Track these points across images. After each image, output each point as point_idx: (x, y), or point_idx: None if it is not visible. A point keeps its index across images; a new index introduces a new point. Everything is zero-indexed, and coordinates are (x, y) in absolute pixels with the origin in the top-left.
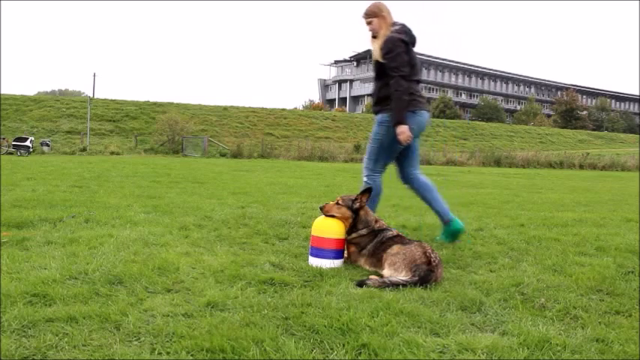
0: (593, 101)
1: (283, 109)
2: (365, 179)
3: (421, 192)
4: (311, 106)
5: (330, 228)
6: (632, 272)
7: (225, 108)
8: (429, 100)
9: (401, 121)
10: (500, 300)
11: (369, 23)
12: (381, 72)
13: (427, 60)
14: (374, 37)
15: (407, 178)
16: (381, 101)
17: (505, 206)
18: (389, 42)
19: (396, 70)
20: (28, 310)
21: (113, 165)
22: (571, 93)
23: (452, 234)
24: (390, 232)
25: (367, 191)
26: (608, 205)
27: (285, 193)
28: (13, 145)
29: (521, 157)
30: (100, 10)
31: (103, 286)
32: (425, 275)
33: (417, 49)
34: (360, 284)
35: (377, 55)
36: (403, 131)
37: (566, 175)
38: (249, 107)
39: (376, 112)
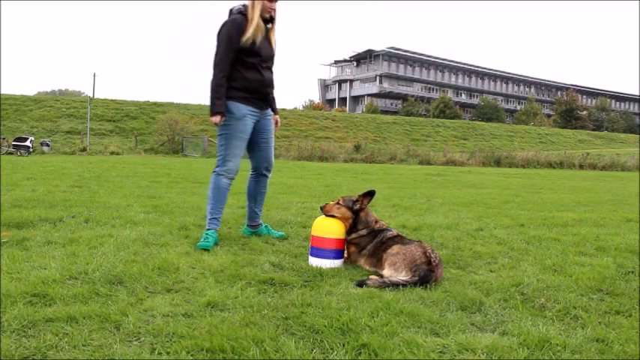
0: (593, 101)
1: (283, 109)
2: (269, 175)
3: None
4: (311, 106)
5: (330, 228)
6: (632, 272)
7: None
8: (428, 100)
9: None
10: (500, 300)
11: (274, 1)
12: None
13: (427, 60)
14: (269, 21)
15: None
16: (270, 95)
17: (505, 206)
18: None
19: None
20: (28, 310)
21: (113, 165)
22: (571, 93)
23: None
24: (390, 232)
25: (369, 194)
26: (608, 205)
27: (285, 193)
28: (13, 145)
29: (521, 157)
30: (100, 10)
31: (103, 286)
32: (425, 275)
33: (417, 49)
34: (360, 284)
35: (275, 46)
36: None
37: (566, 175)
38: None
39: (264, 107)
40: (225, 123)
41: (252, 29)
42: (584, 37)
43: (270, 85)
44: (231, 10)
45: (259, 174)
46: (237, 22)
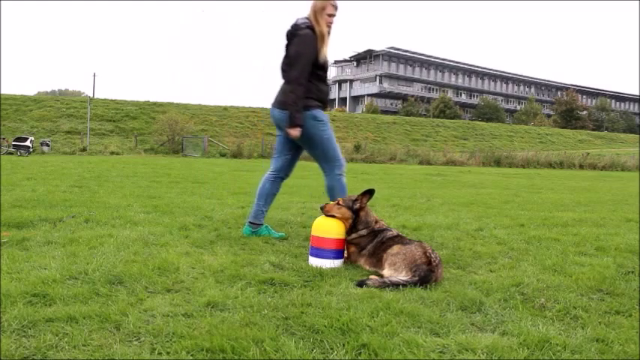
0: (593, 101)
1: None
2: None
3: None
4: None
5: (330, 228)
6: (632, 272)
7: (225, 108)
8: (428, 100)
9: None
10: (500, 300)
11: (333, 16)
12: None
13: (427, 60)
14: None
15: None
16: None
17: (505, 206)
18: None
19: None
20: (28, 310)
21: (113, 165)
22: (571, 93)
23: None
24: (390, 233)
25: (368, 192)
26: (608, 205)
27: (285, 193)
28: (13, 145)
29: (521, 157)
30: (100, 10)
31: (103, 286)
32: (425, 275)
33: (417, 49)
34: (360, 284)
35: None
36: None
37: (566, 175)
38: (249, 107)
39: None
40: (322, 128)
41: (326, 46)
42: (584, 37)
43: (328, 94)
44: (297, 24)
45: (278, 176)
46: (311, 37)
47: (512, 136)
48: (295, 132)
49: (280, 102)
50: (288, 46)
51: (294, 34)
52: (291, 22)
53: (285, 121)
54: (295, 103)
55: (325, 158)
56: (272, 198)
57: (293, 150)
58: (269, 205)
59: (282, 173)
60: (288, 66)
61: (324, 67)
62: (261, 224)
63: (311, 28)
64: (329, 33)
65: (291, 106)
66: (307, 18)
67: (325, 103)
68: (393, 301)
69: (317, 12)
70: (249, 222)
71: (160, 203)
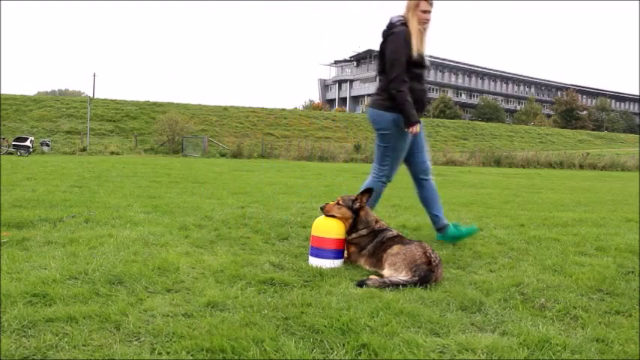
0: (593, 101)
1: (283, 109)
2: (429, 178)
3: None
4: (311, 106)
5: (330, 228)
6: (632, 272)
7: (225, 108)
8: (429, 100)
9: None
10: (500, 300)
11: (428, 12)
12: None
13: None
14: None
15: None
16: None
17: (505, 206)
18: None
19: None
20: (28, 310)
21: (113, 165)
22: (571, 93)
23: None
24: (390, 233)
25: (367, 192)
26: (608, 205)
27: (285, 193)
28: (13, 145)
29: (521, 157)
30: (100, 10)
31: (103, 286)
32: (425, 275)
33: None
34: (360, 284)
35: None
36: None
37: (566, 175)
38: (249, 107)
39: (420, 116)
40: (398, 137)
41: (416, 41)
42: (584, 37)
43: (426, 94)
44: (392, 23)
45: (417, 179)
46: (404, 33)
47: (512, 136)
48: (416, 128)
49: (379, 102)
50: (382, 45)
51: (389, 32)
52: (386, 21)
53: (392, 122)
54: (406, 101)
55: (380, 161)
56: (434, 199)
57: (409, 153)
58: (435, 207)
59: (418, 174)
60: (384, 66)
61: (419, 65)
62: (446, 225)
63: (405, 24)
64: (425, 29)
65: (402, 105)
66: (402, 16)
67: (421, 102)
68: (393, 301)
69: (409, 9)
70: (435, 229)
71: (159, 203)
